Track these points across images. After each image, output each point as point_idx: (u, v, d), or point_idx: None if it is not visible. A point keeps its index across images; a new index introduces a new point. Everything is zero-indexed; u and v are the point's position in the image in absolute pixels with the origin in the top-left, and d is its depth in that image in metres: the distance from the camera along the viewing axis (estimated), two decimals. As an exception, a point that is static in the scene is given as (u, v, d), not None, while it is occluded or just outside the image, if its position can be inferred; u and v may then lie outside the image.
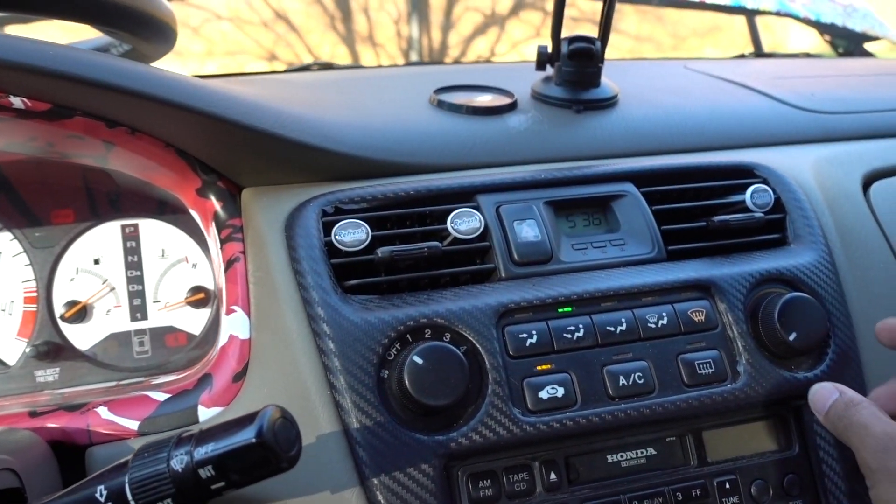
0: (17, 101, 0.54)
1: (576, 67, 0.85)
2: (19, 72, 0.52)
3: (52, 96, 0.55)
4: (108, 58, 0.57)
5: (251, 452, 0.40)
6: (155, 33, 0.73)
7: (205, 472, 0.40)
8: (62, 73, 0.53)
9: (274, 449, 0.40)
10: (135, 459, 0.42)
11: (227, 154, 0.66)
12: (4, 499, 0.48)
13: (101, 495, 0.42)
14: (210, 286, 0.78)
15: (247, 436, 0.40)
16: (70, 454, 0.58)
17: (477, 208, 0.67)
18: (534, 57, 0.89)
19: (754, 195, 0.73)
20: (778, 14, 1.60)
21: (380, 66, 1.70)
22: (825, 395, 0.58)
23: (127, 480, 0.41)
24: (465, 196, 0.69)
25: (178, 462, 0.40)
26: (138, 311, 0.76)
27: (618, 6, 1.59)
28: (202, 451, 0.40)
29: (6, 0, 0.57)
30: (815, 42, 1.73)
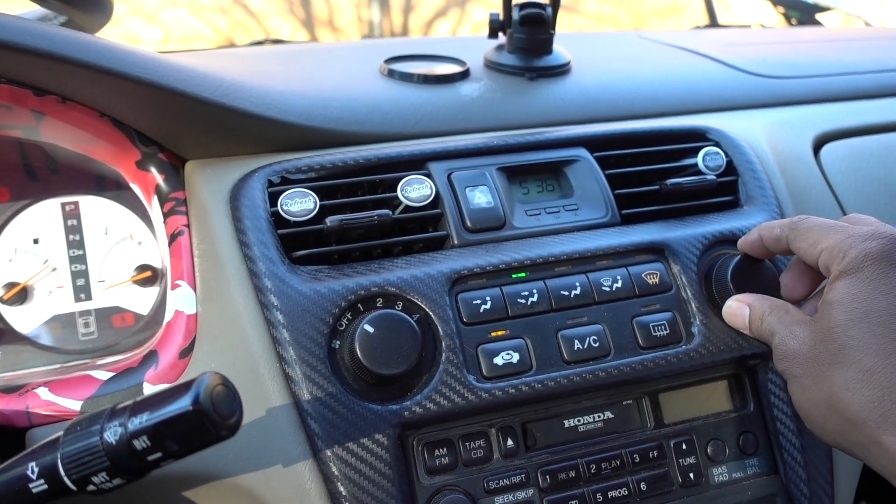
0: (-65, 68, 0.51)
1: (527, 34, 0.84)
2: (-66, 35, 0.49)
3: (-28, 62, 0.52)
4: (29, 21, 0.54)
5: (187, 420, 0.38)
6: (90, 3, 0.70)
7: (140, 443, 0.38)
8: (-19, 37, 0.50)
9: (211, 416, 0.38)
10: (66, 434, 0.41)
11: (167, 124, 0.64)
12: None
13: (33, 472, 0.40)
14: (157, 264, 0.75)
15: (183, 403, 0.38)
16: (9, 437, 0.56)
17: (428, 176, 0.66)
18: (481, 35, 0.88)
19: (706, 158, 0.73)
20: (731, -15, 1.60)
21: (331, 42, 1.66)
22: (738, 313, 0.59)
23: (59, 455, 0.39)
24: (417, 163, 0.68)
25: (112, 434, 0.39)
26: (82, 292, 0.74)
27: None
28: (136, 422, 0.38)
29: None
30: (770, 14, 1.75)
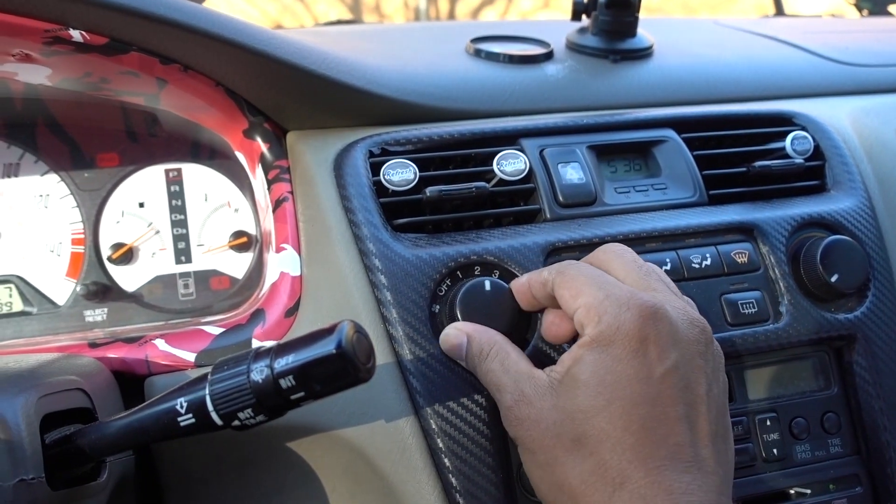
0: (76, 35, 0.55)
1: (613, 17, 0.85)
2: (81, 4, 0.52)
3: (111, 30, 0.56)
4: (165, -7, 0.57)
5: (332, 363, 0.41)
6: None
7: (285, 382, 0.41)
8: (123, 7, 0.53)
9: (353, 360, 0.41)
10: (214, 373, 0.44)
11: (274, 95, 0.67)
12: (74, 418, 0.49)
13: (182, 407, 0.43)
14: (252, 231, 0.79)
15: (327, 347, 0.41)
16: (128, 384, 0.60)
17: (521, 151, 0.68)
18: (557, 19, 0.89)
19: (794, 142, 0.73)
20: (804, -25, 1.58)
21: (410, 23, 1.69)
22: (454, 342, 0.55)
23: (207, 392, 0.43)
24: (510, 139, 0.70)
25: (259, 373, 0.42)
26: (182, 255, 0.77)
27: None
28: (282, 363, 0.41)
29: None
30: (835, 5, 1.72)
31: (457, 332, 0.55)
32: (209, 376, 0.44)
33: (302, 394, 0.42)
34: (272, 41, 0.63)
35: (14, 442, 0.42)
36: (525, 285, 0.56)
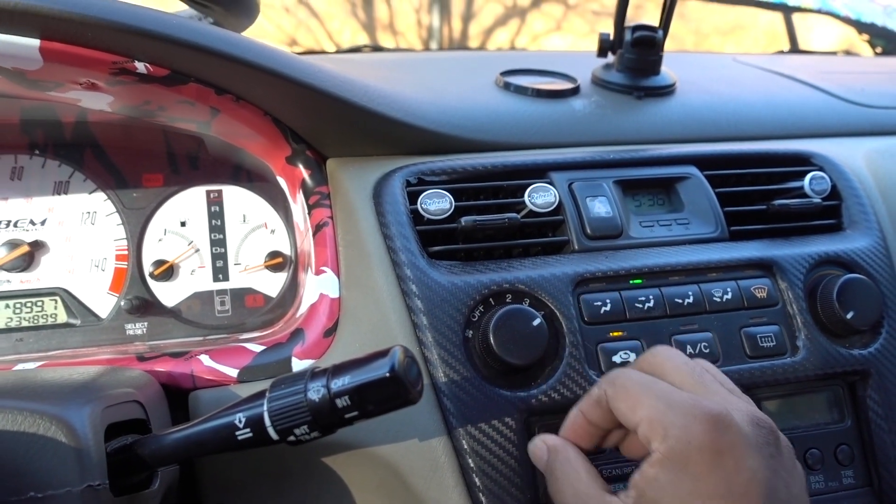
0: (140, 66, 0.58)
1: (638, 55, 0.89)
2: (149, 39, 0.56)
3: (172, 63, 0.59)
4: (223, 30, 0.61)
5: (385, 385, 0.44)
6: (242, 8, 0.77)
7: (341, 402, 0.44)
8: (187, 42, 0.57)
9: (404, 383, 0.44)
10: (272, 390, 0.47)
11: (318, 124, 0.70)
12: (130, 428, 0.52)
13: (240, 422, 0.46)
14: (287, 251, 0.82)
15: (381, 370, 0.44)
16: (173, 397, 0.62)
17: (551, 184, 0.71)
18: (560, 48, 0.92)
19: (812, 182, 0.76)
20: (819, 12, 1.62)
21: (431, 50, 1.73)
22: (537, 454, 0.54)
23: (266, 408, 0.46)
24: (540, 172, 0.73)
25: (315, 392, 0.44)
26: (220, 273, 0.81)
27: (641, 2, 1.62)
28: (339, 383, 0.44)
29: None
30: (848, 41, 1.75)
31: (541, 445, 0.54)
32: (267, 393, 0.46)
33: (356, 413, 0.45)
34: (318, 74, 0.66)
35: (83, 450, 0.45)
36: (579, 417, 0.53)
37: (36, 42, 0.54)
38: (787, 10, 1.67)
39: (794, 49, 1.64)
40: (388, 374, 0.43)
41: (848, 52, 1.60)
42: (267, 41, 0.67)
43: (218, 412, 0.48)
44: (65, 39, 0.55)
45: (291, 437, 0.46)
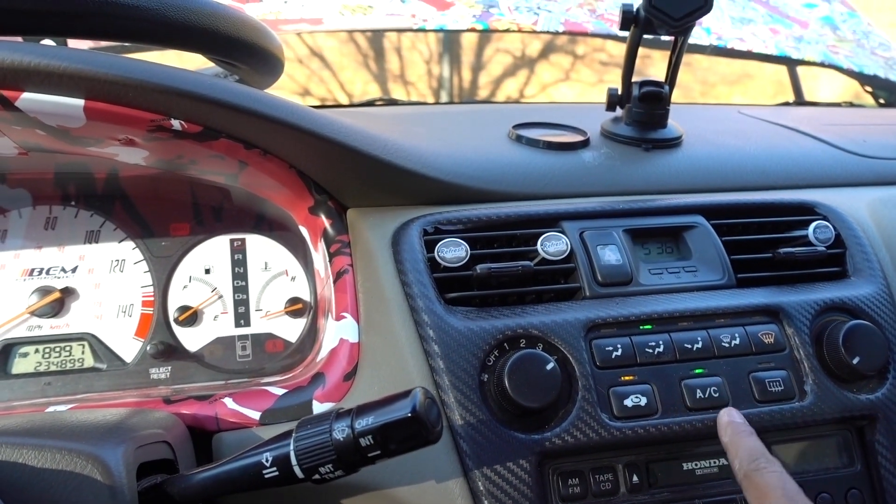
0: (176, 124, 0.62)
1: (645, 109, 0.92)
2: (186, 99, 0.60)
3: (206, 120, 0.63)
4: (253, 89, 0.65)
5: (407, 426, 0.46)
6: (269, 67, 0.82)
7: (365, 441, 0.46)
8: (221, 101, 0.61)
9: (426, 423, 0.46)
10: (298, 430, 0.49)
11: (340, 176, 0.73)
12: (156, 469, 0.54)
13: (267, 461, 0.48)
14: (307, 298, 0.84)
15: (404, 411, 0.46)
16: (197, 439, 0.64)
17: (562, 233, 0.74)
18: (566, 99, 0.97)
19: (817, 230, 0.79)
20: (822, 65, 1.67)
21: (443, 103, 1.78)
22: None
23: (292, 448, 0.48)
24: (552, 222, 0.76)
25: (340, 432, 0.47)
26: (242, 318, 0.83)
27: (648, 52, 1.67)
28: (362, 423, 0.46)
29: (158, 36, 0.65)
30: (852, 92, 1.80)
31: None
32: (294, 433, 0.49)
33: (378, 452, 0.47)
34: (341, 129, 0.70)
35: (116, 488, 0.47)
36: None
37: (81, 102, 0.58)
38: (791, 63, 1.72)
39: (799, 100, 1.68)
40: (409, 415, 0.46)
41: (851, 104, 1.64)
42: (284, 94, 0.71)
43: (245, 451, 0.50)
44: (108, 100, 0.59)
45: (316, 476, 0.48)
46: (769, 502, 0.54)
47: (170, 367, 0.80)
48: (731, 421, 0.61)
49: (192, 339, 0.82)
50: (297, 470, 0.48)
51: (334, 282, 0.73)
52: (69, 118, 0.59)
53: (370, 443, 0.46)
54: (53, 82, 0.56)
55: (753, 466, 0.56)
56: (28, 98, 0.57)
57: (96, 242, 0.82)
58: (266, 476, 0.48)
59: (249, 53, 0.73)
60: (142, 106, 0.60)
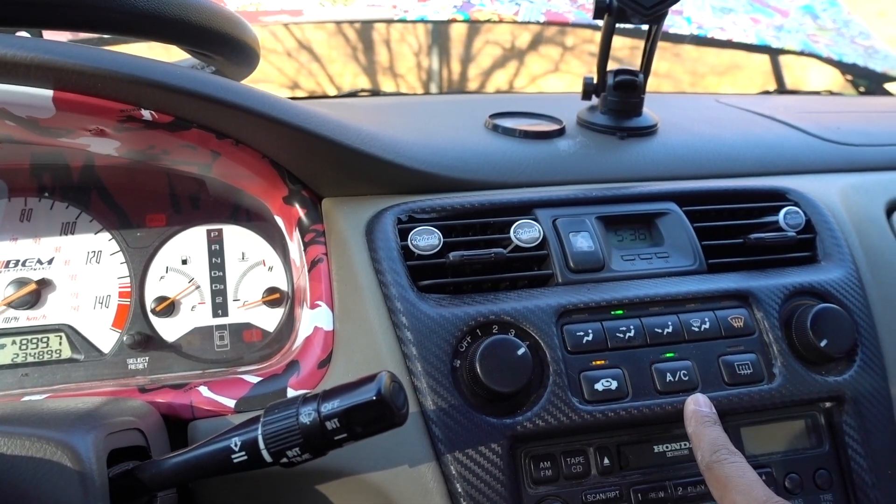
0: (146, 114, 0.62)
1: (620, 97, 0.93)
2: (155, 88, 0.60)
3: (177, 110, 0.63)
4: (224, 79, 0.65)
5: (372, 408, 0.46)
6: (243, 57, 0.82)
7: (331, 424, 0.47)
8: (191, 91, 0.61)
9: (391, 406, 0.47)
10: (266, 415, 0.49)
11: (313, 166, 0.74)
12: (129, 456, 0.55)
13: (236, 445, 0.48)
14: (284, 287, 0.85)
15: (368, 394, 0.47)
16: (173, 427, 0.65)
17: (535, 220, 0.75)
18: (559, 89, 0.97)
19: (787, 216, 0.80)
20: (802, 54, 1.68)
21: (429, 94, 1.79)
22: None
23: (260, 432, 0.48)
24: (525, 209, 0.76)
25: (307, 416, 0.47)
26: (220, 308, 0.84)
27: (634, 43, 1.68)
28: (328, 407, 0.47)
29: (129, 27, 0.65)
30: (836, 81, 1.81)
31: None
32: (261, 418, 0.49)
33: (345, 435, 0.47)
34: (314, 119, 0.70)
35: (86, 474, 0.47)
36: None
37: (49, 93, 0.58)
38: (772, 52, 1.73)
39: (781, 89, 1.70)
40: (374, 398, 0.46)
41: (832, 93, 1.65)
42: (267, 86, 0.71)
43: (215, 437, 0.51)
44: (77, 90, 0.59)
45: (284, 460, 0.48)
46: (731, 493, 0.55)
47: (147, 358, 0.81)
48: (696, 410, 0.62)
49: (169, 329, 0.82)
50: (265, 454, 0.48)
51: (309, 270, 0.73)
52: (38, 109, 0.59)
53: (336, 426, 0.47)
54: (21, 73, 0.56)
55: (715, 458, 0.57)
56: (-4, 88, 0.57)
57: (72, 234, 0.82)
58: (235, 460, 0.49)
59: (223, 43, 0.73)
60: (111, 96, 0.60)
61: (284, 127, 0.67)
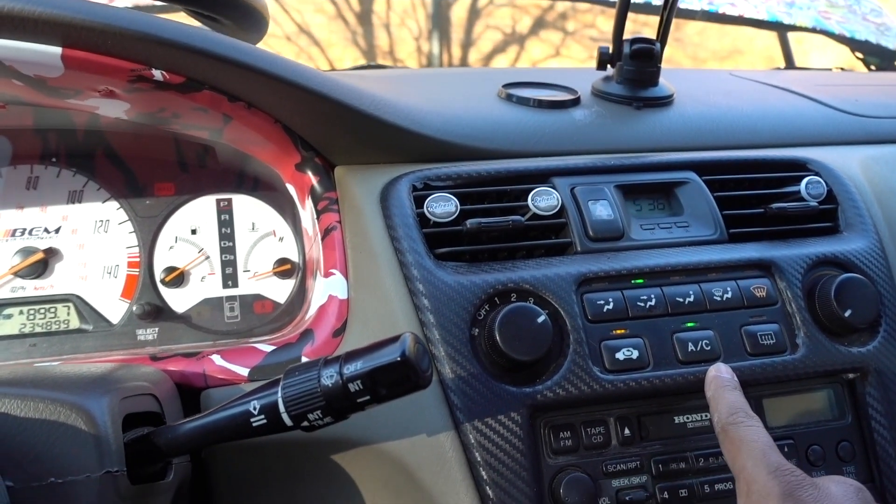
0: (157, 74, 0.61)
1: (637, 66, 0.91)
2: (167, 47, 0.58)
3: (188, 70, 0.61)
4: (237, 40, 0.64)
5: (397, 369, 0.45)
6: (252, 22, 0.80)
7: (354, 386, 0.45)
8: (203, 50, 0.59)
9: (415, 367, 0.45)
10: (286, 377, 0.48)
11: (327, 132, 0.72)
12: (145, 421, 0.54)
13: (255, 409, 0.47)
14: (295, 258, 0.83)
15: (393, 355, 0.45)
16: (186, 395, 0.64)
17: (553, 188, 0.73)
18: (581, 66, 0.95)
19: (809, 186, 0.78)
20: (814, 30, 1.65)
21: (443, 69, 1.76)
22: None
23: (280, 395, 0.47)
24: (542, 177, 0.75)
25: (329, 378, 0.46)
26: (230, 279, 0.82)
27: (647, 20, 1.65)
28: (351, 368, 0.46)
29: None
30: (847, 58, 1.79)
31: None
32: (281, 381, 0.48)
33: (368, 397, 0.46)
34: (328, 83, 0.68)
35: (101, 437, 0.46)
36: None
37: (58, 50, 0.57)
38: (782, 29, 1.71)
39: (790, 66, 1.67)
40: (399, 359, 0.45)
41: (843, 69, 1.63)
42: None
43: (233, 401, 0.49)
44: (86, 47, 0.57)
45: (305, 423, 0.47)
46: (742, 456, 0.54)
47: (157, 329, 0.79)
48: (716, 376, 0.61)
49: (179, 300, 0.81)
50: (285, 417, 0.47)
51: (322, 239, 0.72)
52: (46, 67, 0.58)
53: (359, 388, 0.45)
54: (28, 28, 0.54)
55: (731, 420, 0.56)
56: (3, 45, 0.56)
57: (79, 202, 0.80)
58: (254, 424, 0.47)
59: (231, 6, 0.72)
60: (122, 54, 0.58)
61: (299, 90, 0.65)
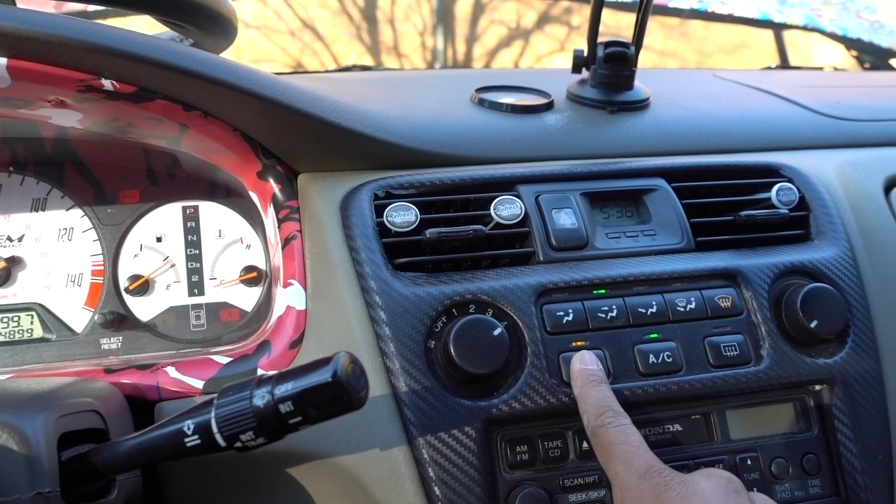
0: (107, 84, 0.60)
1: (611, 70, 0.90)
2: (115, 57, 0.57)
3: (139, 80, 0.61)
4: (189, 48, 0.63)
5: (327, 390, 0.44)
6: (219, 29, 0.79)
7: (285, 408, 0.45)
8: (152, 60, 0.58)
9: (347, 388, 0.44)
10: (220, 398, 0.47)
11: (287, 140, 0.71)
12: (89, 438, 0.53)
13: (189, 429, 0.46)
14: (262, 266, 0.83)
15: (324, 376, 0.44)
16: (140, 409, 0.63)
17: (518, 197, 0.72)
18: (562, 67, 0.93)
19: (780, 193, 0.77)
20: (805, 28, 1.63)
21: (418, 69, 1.75)
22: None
23: (213, 415, 0.46)
24: (507, 185, 0.74)
25: (260, 398, 0.45)
26: (196, 287, 0.82)
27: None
28: (282, 389, 0.45)
29: None
30: (842, 56, 1.77)
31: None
32: (215, 401, 0.47)
33: (299, 418, 0.45)
34: (285, 90, 0.67)
35: (33, 457, 0.45)
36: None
37: (3, 61, 0.56)
38: (775, 27, 1.69)
39: (784, 65, 1.65)
40: (329, 379, 0.44)
41: (836, 69, 1.61)
42: (270, 66, 0.68)
43: (170, 419, 0.49)
44: (32, 58, 0.56)
45: (238, 444, 0.46)
46: (615, 462, 0.53)
47: (121, 338, 0.79)
48: (581, 369, 0.60)
49: (143, 308, 0.80)
50: (218, 438, 0.46)
51: (283, 248, 0.71)
52: (-8, 78, 0.57)
53: (290, 409, 0.45)
54: (-30, 39, 0.53)
55: (599, 422, 0.56)
56: (-53, 57, 0.55)
57: (43, 210, 0.80)
58: (188, 444, 0.47)
59: (195, 13, 0.70)
60: (68, 64, 0.57)
61: (253, 97, 0.64)
